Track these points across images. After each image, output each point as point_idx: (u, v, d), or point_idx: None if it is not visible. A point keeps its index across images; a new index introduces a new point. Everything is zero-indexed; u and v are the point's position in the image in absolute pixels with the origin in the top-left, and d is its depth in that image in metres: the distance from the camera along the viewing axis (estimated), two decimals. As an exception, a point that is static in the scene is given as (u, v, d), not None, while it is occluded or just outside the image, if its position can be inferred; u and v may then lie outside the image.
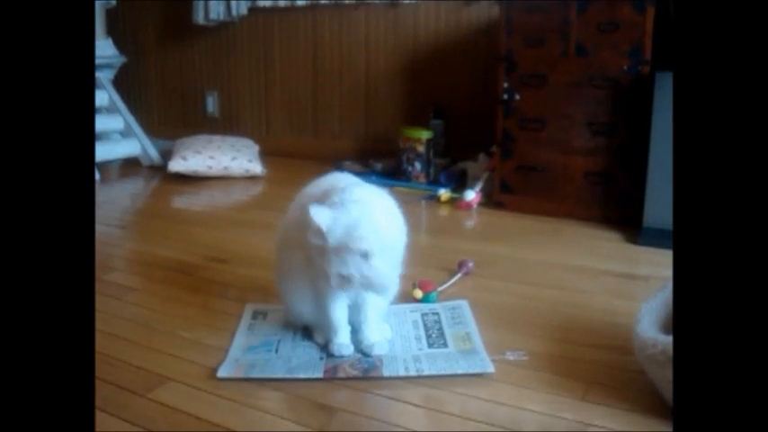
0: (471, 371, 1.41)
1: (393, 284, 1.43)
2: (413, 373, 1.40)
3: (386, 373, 1.40)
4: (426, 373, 1.40)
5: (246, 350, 1.52)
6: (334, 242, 1.31)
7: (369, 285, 1.35)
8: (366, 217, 1.33)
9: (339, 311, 1.48)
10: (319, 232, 1.31)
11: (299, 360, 1.47)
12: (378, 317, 1.54)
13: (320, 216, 1.31)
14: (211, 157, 3.47)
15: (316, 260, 1.36)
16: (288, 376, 1.40)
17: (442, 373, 1.40)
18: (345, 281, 1.34)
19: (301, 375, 1.40)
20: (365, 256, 1.31)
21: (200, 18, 4.09)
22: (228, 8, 4.03)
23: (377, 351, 1.48)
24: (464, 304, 1.74)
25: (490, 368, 1.41)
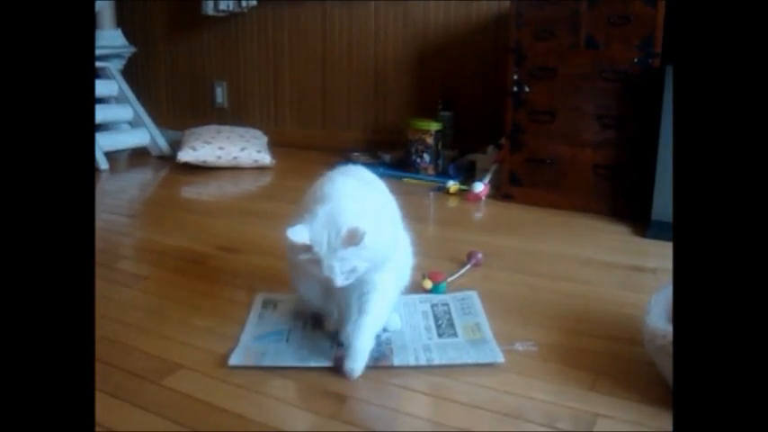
0: (481, 361, 1.42)
1: (396, 248, 1.45)
2: (423, 362, 1.41)
3: (396, 362, 1.42)
4: (437, 362, 1.41)
5: (257, 338, 1.54)
6: (322, 249, 1.30)
7: (377, 264, 1.36)
8: (339, 209, 1.33)
9: (347, 299, 1.47)
10: (305, 248, 1.31)
11: (310, 349, 1.48)
12: (384, 308, 1.53)
13: (299, 234, 1.31)
14: (221, 148, 3.48)
15: (316, 271, 1.34)
16: (298, 365, 1.41)
17: (452, 362, 1.41)
18: (352, 274, 1.34)
19: (312, 364, 1.41)
20: (359, 241, 1.29)
21: (209, 9, 4.10)
22: (238, -1, 4.03)
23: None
24: (473, 295, 1.75)
25: (500, 358, 1.42)
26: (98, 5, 3.95)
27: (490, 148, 3.14)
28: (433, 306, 1.70)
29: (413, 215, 1.47)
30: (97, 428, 1.18)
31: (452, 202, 2.88)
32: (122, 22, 4.27)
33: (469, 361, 1.42)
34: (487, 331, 1.55)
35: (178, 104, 4.60)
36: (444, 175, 3.21)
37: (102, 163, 3.45)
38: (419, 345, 1.49)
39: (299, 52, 4.06)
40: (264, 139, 3.74)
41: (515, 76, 2.72)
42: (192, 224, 2.54)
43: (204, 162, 3.46)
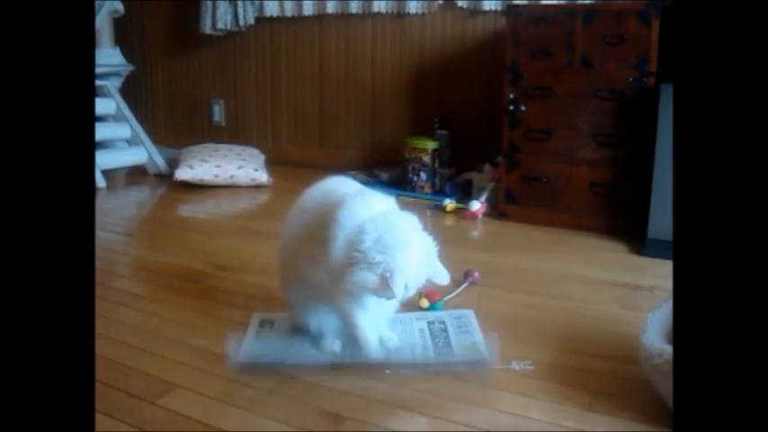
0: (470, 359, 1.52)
1: None
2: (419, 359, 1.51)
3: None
4: (432, 359, 1.52)
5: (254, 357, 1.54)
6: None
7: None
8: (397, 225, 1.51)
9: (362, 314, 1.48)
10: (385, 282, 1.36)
11: (309, 355, 1.53)
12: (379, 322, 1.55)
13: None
14: (218, 166, 3.48)
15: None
16: (297, 360, 1.50)
17: (446, 360, 1.52)
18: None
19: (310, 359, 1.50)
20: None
21: (207, 27, 4.12)
22: (236, 18, 4.05)
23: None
24: (470, 314, 1.75)
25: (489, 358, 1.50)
26: (96, 24, 3.96)
27: (487, 167, 3.15)
28: (429, 324, 1.69)
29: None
30: (92, 449, 1.17)
31: (449, 221, 2.89)
32: (120, 40, 4.29)
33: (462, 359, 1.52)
34: (484, 351, 1.54)
35: (176, 123, 4.61)
36: (441, 193, 3.22)
37: (99, 181, 3.45)
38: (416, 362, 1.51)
39: (296, 71, 4.08)
40: (262, 157, 3.74)
41: (511, 95, 2.74)
42: (189, 243, 2.53)
43: (201, 180, 3.46)
